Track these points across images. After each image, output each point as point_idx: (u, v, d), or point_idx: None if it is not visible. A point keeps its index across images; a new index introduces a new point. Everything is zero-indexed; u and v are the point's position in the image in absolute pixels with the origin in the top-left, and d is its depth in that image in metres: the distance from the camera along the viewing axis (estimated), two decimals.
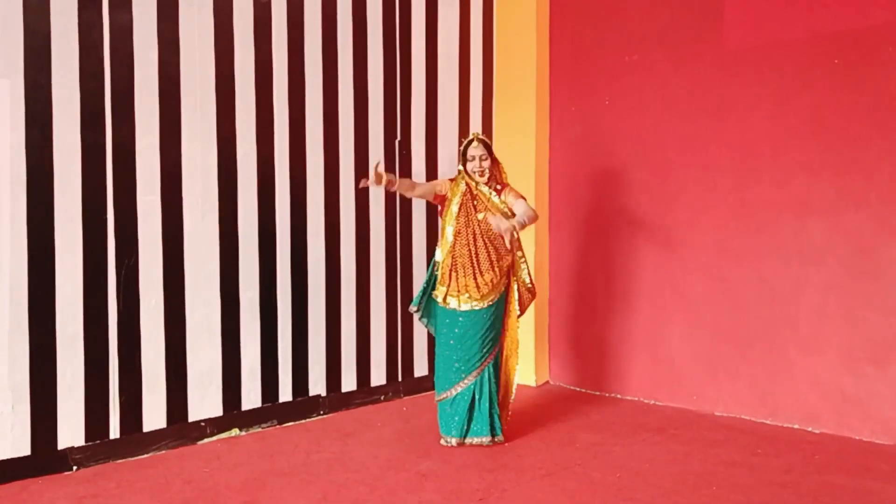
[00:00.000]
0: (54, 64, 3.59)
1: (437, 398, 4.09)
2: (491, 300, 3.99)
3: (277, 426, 4.44)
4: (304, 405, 4.60)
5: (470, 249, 3.99)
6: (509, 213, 4.03)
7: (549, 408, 4.83)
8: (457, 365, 4.01)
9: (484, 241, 4.00)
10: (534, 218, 4.04)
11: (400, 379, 5.12)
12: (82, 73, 3.68)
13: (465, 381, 4.00)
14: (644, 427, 4.40)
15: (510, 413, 4.22)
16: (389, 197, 5.00)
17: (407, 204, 5.02)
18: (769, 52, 4.45)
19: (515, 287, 4.14)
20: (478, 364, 3.99)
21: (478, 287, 3.96)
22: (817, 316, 4.30)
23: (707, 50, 4.70)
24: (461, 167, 4.11)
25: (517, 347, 4.23)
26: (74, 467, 3.68)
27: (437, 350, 4.12)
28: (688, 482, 3.49)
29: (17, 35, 3.48)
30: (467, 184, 4.06)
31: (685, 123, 4.82)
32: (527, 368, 5.36)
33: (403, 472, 3.64)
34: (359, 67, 4.83)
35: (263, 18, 4.36)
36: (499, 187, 4.08)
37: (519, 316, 4.20)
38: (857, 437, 4.15)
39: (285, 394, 4.52)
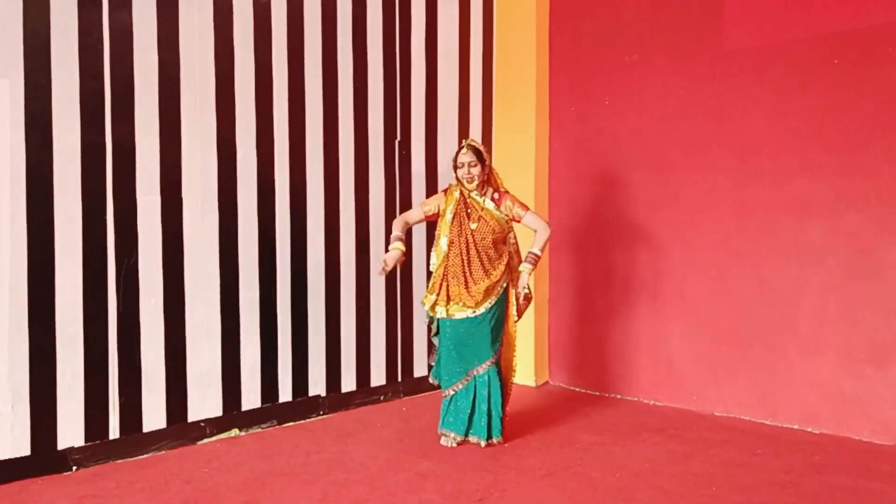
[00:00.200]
0: (54, 64, 3.59)
1: (443, 393, 4.12)
2: (486, 306, 3.99)
3: (277, 426, 4.44)
4: (303, 405, 4.60)
5: (462, 259, 3.99)
6: (506, 224, 4.04)
7: (548, 408, 4.83)
8: (457, 368, 4.02)
9: (476, 249, 3.99)
10: (550, 232, 4.06)
11: (400, 379, 5.12)
12: (82, 73, 3.67)
13: (464, 380, 4.01)
14: (644, 427, 4.40)
15: (507, 416, 4.23)
16: (389, 197, 5.00)
17: (407, 204, 5.02)
18: (769, 52, 4.45)
19: (513, 293, 4.14)
20: (478, 365, 3.99)
21: (471, 295, 3.96)
22: (817, 316, 4.30)
23: (707, 50, 4.70)
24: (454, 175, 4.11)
25: (514, 350, 4.24)
26: (74, 467, 3.67)
27: (440, 349, 4.13)
28: (688, 482, 3.49)
29: (16, 35, 3.48)
30: (461, 192, 4.06)
31: (685, 123, 4.82)
32: (527, 369, 5.36)
33: (403, 472, 3.64)
34: (359, 67, 4.83)
35: (263, 18, 4.36)
36: (496, 195, 4.07)
37: (516, 321, 4.20)
38: (857, 438, 4.15)
39: (285, 394, 4.52)
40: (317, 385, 4.67)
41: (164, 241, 3.98)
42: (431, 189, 5.15)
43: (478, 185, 4.02)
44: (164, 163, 3.97)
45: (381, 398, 5.01)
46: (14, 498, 3.33)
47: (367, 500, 3.28)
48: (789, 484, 3.47)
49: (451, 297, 4.00)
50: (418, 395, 5.13)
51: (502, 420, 4.05)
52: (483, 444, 3.99)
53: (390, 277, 5.03)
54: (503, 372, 4.15)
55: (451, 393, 4.04)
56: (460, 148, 4.06)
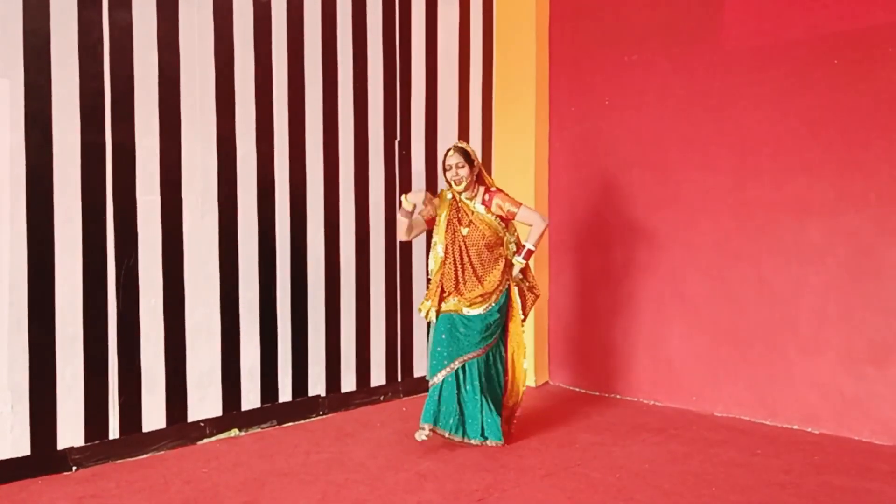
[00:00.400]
0: (54, 64, 3.59)
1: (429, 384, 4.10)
2: (480, 310, 3.97)
3: (277, 426, 4.44)
4: (303, 405, 4.60)
5: (456, 266, 3.99)
6: (498, 224, 4.02)
7: (548, 408, 4.82)
8: (442, 357, 3.99)
9: (469, 256, 3.99)
10: (546, 225, 4.04)
11: (399, 379, 5.12)
12: (82, 73, 3.67)
13: (447, 369, 3.96)
14: (644, 427, 4.40)
15: (517, 418, 4.21)
16: (389, 197, 5.00)
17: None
18: (769, 52, 4.45)
19: (516, 291, 4.13)
20: (459, 357, 3.96)
21: (465, 300, 3.96)
22: (817, 316, 4.30)
23: (707, 50, 4.69)
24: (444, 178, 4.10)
25: (524, 352, 4.19)
26: (74, 467, 3.67)
27: (431, 341, 4.12)
28: (687, 482, 3.49)
29: (16, 35, 3.48)
30: (453, 195, 4.06)
31: (685, 123, 4.82)
32: (527, 369, 5.35)
33: (403, 472, 3.64)
34: (359, 67, 4.83)
35: (263, 18, 4.36)
36: (486, 196, 4.04)
37: (523, 321, 4.17)
38: (857, 438, 4.15)
39: (285, 394, 4.52)
40: (316, 385, 4.67)
41: (164, 241, 3.98)
42: (431, 189, 5.15)
43: (466, 187, 4.00)
44: (164, 163, 3.97)
45: (381, 398, 5.01)
46: (14, 498, 3.33)
47: (367, 500, 3.28)
48: (789, 484, 3.47)
49: (445, 301, 4.01)
50: (418, 395, 5.12)
51: (500, 423, 4.02)
52: (476, 443, 3.98)
53: (390, 277, 5.03)
54: (512, 374, 4.13)
55: (436, 382, 4.00)
56: (448, 151, 4.06)
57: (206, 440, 4.15)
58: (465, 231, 4.00)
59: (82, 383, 3.71)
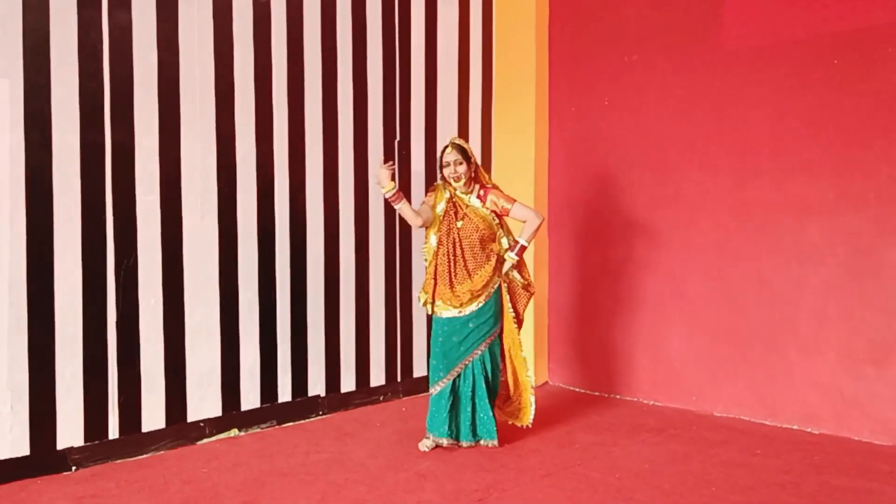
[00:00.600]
0: (53, 64, 3.59)
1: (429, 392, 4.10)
2: (472, 308, 3.97)
3: (276, 426, 4.44)
4: (303, 405, 4.60)
5: (449, 258, 4.00)
6: (493, 219, 4.01)
7: (548, 408, 4.82)
8: (441, 366, 4.01)
9: (462, 249, 3.99)
10: (540, 222, 4.03)
11: (399, 379, 5.12)
12: (81, 72, 3.67)
13: (447, 378, 3.98)
14: (643, 427, 4.40)
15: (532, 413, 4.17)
16: None
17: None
18: (769, 52, 4.45)
19: (506, 289, 4.11)
20: (458, 363, 3.97)
21: (455, 296, 3.96)
22: (817, 316, 4.30)
23: (707, 50, 4.69)
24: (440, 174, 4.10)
25: (520, 346, 4.16)
26: (73, 467, 3.67)
27: (431, 347, 4.13)
28: (687, 483, 3.48)
29: (16, 34, 3.48)
30: (450, 191, 4.06)
31: (685, 123, 4.82)
32: None
33: (402, 472, 3.64)
34: (358, 67, 4.83)
35: (263, 18, 4.36)
36: (482, 192, 4.05)
37: (515, 318, 4.13)
38: (857, 438, 4.15)
39: (284, 394, 4.52)
40: (316, 385, 4.67)
41: (164, 241, 3.97)
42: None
43: (464, 184, 4.01)
44: (164, 163, 3.97)
45: (381, 398, 5.00)
46: (13, 498, 3.33)
47: (367, 500, 3.28)
48: (789, 484, 3.47)
49: (439, 297, 4.01)
50: (418, 395, 5.12)
51: (495, 421, 4.01)
52: (466, 445, 3.97)
53: (390, 277, 5.03)
54: (512, 371, 4.13)
55: (437, 390, 4.02)
56: (445, 147, 4.06)
57: (205, 440, 4.15)
58: (459, 224, 4.00)
59: (82, 383, 3.71)
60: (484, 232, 4.00)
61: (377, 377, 4.99)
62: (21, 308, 3.52)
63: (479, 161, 5.47)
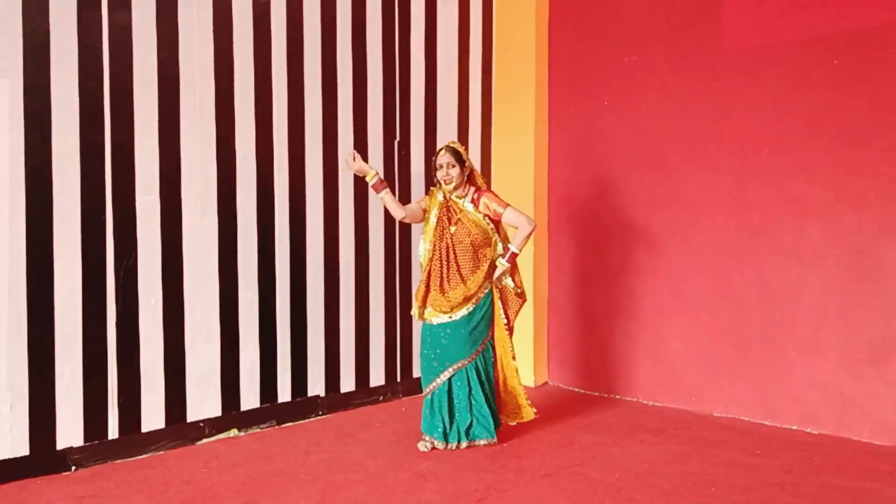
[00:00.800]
0: (53, 63, 3.59)
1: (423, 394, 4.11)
2: (463, 312, 3.97)
3: (276, 427, 4.44)
4: (302, 406, 4.60)
5: (442, 264, 3.99)
6: (487, 223, 4.00)
7: (548, 408, 4.82)
8: (432, 369, 4.02)
9: (455, 254, 3.99)
10: (532, 228, 4.01)
11: (399, 379, 5.12)
12: (81, 72, 3.67)
13: (438, 381, 3.99)
14: (643, 428, 4.40)
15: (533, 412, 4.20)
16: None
17: (406, 204, 5.01)
18: (769, 52, 4.45)
19: (498, 295, 4.10)
20: (450, 366, 3.97)
21: (447, 300, 3.96)
22: (816, 317, 4.30)
23: (707, 50, 4.69)
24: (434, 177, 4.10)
25: (512, 354, 4.15)
26: (73, 467, 3.67)
27: (420, 350, 4.14)
28: (687, 483, 3.48)
29: (16, 34, 3.48)
30: (444, 194, 4.06)
31: (685, 123, 4.82)
32: (526, 369, 5.35)
33: (402, 472, 3.64)
34: (358, 68, 4.83)
35: (263, 18, 4.36)
36: (476, 195, 4.03)
37: (507, 325, 4.12)
38: (857, 438, 4.15)
39: (284, 394, 4.52)
40: (316, 385, 4.67)
41: (164, 242, 3.97)
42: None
43: (456, 186, 4.00)
44: (164, 163, 3.97)
45: (381, 398, 5.01)
46: (13, 498, 3.33)
47: (366, 501, 3.28)
48: (789, 484, 3.47)
49: (430, 303, 4.00)
50: (417, 396, 5.12)
51: (492, 420, 4.01)
52: (460, 446, 3.97)
53: (389, 278, 5.03)
54: (497, 377, 4.13)
55: (429, 392, 4.02)
56: (439, 150, 4.06)
57: (205, 440, 4.15)
58: (452, 229, 4.00)
59: (81, 383, 3.71)
60: (477, 237, 3.99)
61: (377, 377, 4.99)
62: (21, 308, 3.52)
63: (478, 162, 5.51)
